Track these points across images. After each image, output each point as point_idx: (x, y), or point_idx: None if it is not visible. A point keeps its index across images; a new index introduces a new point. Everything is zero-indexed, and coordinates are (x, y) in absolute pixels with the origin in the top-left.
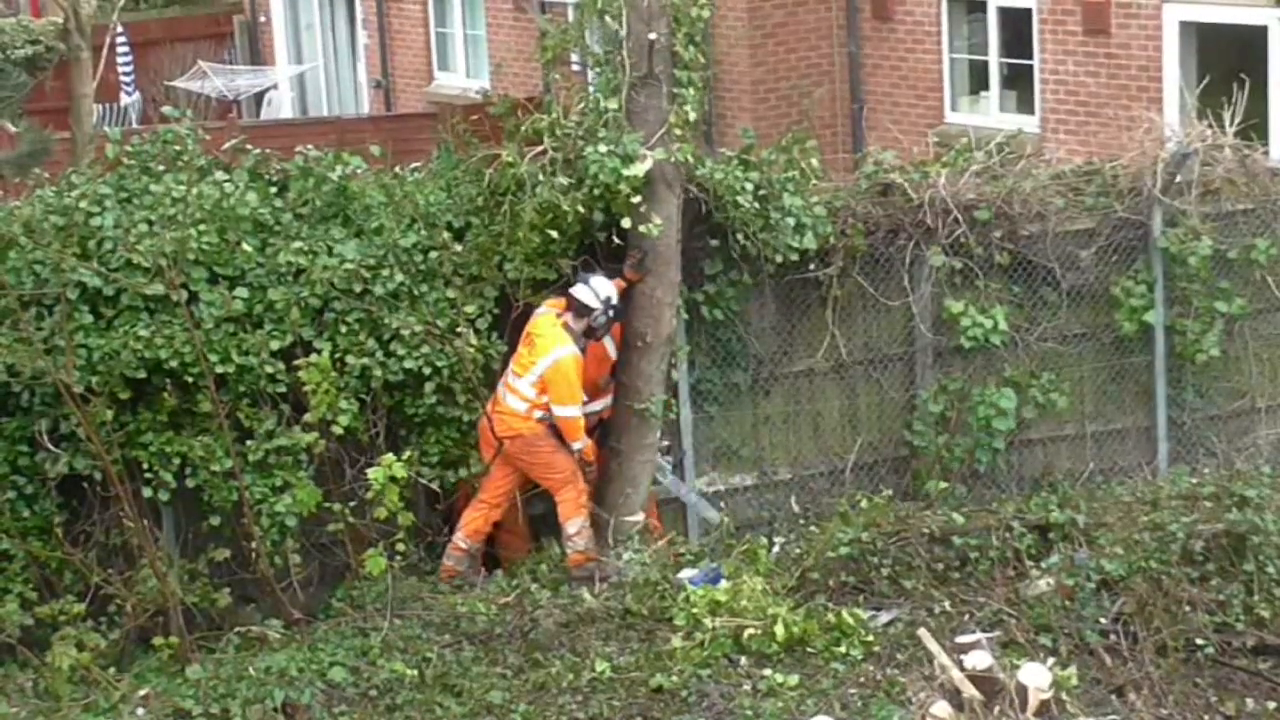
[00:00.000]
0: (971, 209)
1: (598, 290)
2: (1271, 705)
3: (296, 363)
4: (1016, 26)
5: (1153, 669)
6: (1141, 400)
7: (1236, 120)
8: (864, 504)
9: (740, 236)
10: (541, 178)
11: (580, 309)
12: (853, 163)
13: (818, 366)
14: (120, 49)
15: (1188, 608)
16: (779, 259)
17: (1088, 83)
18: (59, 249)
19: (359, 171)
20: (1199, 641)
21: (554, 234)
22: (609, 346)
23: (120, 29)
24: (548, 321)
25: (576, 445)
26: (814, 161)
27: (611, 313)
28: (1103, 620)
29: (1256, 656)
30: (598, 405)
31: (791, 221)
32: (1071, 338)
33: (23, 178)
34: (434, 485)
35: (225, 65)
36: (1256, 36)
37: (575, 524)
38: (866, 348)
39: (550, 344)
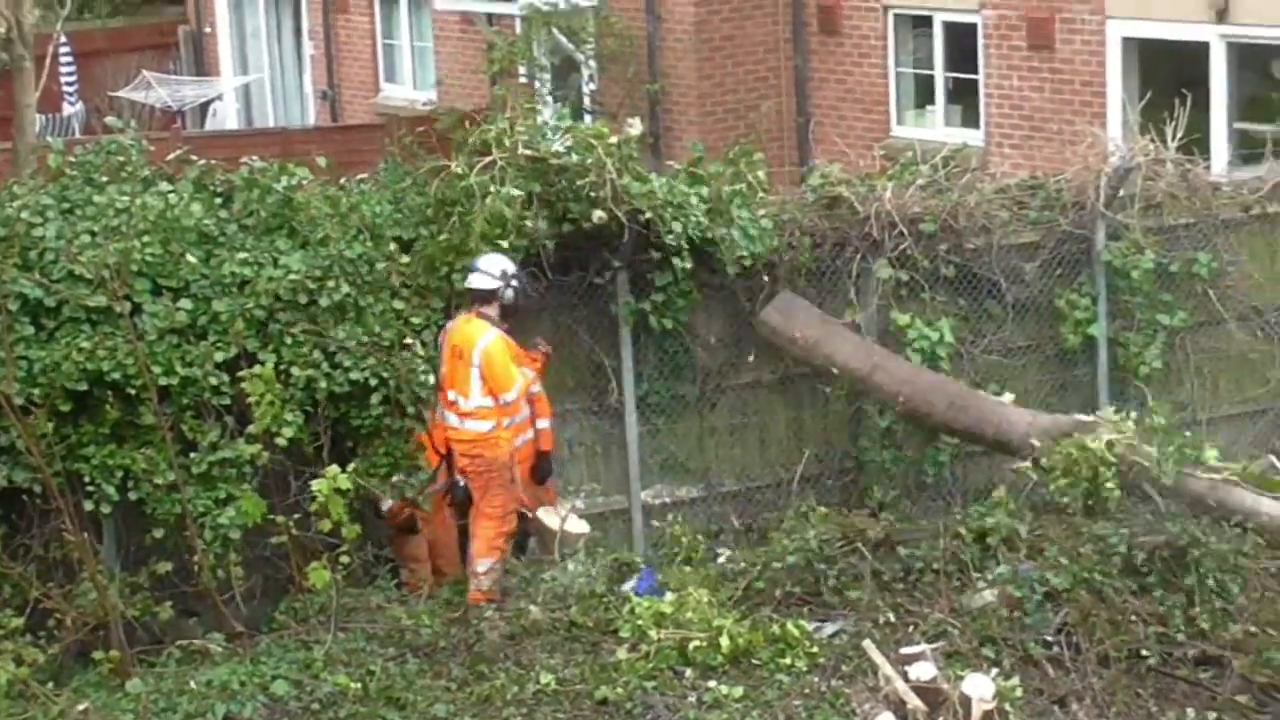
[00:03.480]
0: (917, 222)
1: (489, 269)
2: (1212, 715)
3: (241, 374)
4: (962, 41)
5: (1095, 680)
6: (1084, 413)
7: (1178, 135)
8: (811, 515)
9: (683, 246)
10: (491, 188)
11: (484, 296)
12: (799, 176)
13: (764, 379)
14: (64, 59)
15: (1130, 619)
16: (728, 271)
17: (1032, 97)
18: (1, 259)
19: (305, 183)
20: (1141, 652)
21: (503, 244)
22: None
23: (64, 39)
24: (463, 326)
25: (544, 423)
26: (761, 174)
27: (515, 282)
28: (1046, 631)
29: (1197, 667)
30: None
31: (739, 234)
32: (1016, 350)
33: None
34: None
35: (170, 75)
36: (1198, 52)
37: (485, 564)
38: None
39: (473, 340)
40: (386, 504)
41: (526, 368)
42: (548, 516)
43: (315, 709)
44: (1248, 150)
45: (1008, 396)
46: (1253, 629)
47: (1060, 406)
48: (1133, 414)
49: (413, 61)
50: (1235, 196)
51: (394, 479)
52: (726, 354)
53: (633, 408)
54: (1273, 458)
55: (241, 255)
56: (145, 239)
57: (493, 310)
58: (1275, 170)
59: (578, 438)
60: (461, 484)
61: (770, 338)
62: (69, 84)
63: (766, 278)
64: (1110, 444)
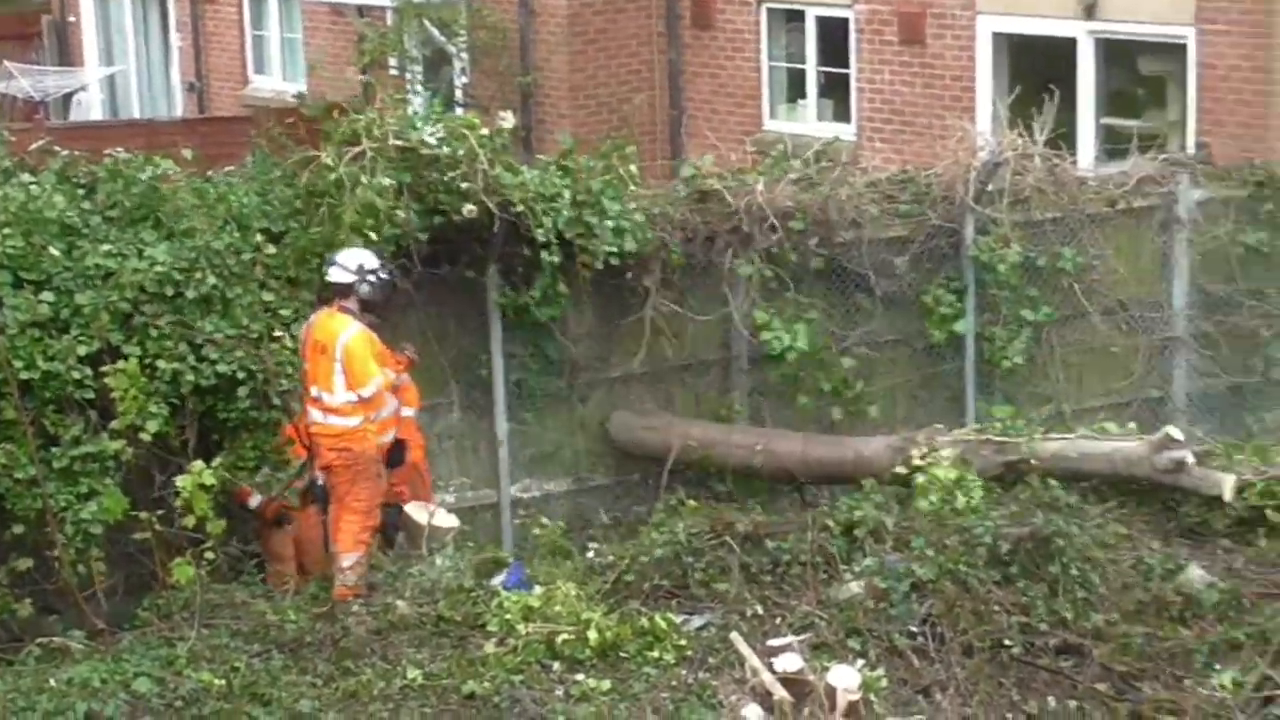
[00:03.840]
0: (788, 216)
1: (346, 264)
2: (1073, 704)
3: (104, 368)
4: (834, 36)
5: (959, 669)
6: (952, 406)
7: (1046, 130)
8: (680, 508)
9: (553, 240)
10: (361, 179)
11: (342, 290)
12: (671, 169)
13: (634, 372)
14: None
15: (994, 609)
16: (598, 265)
17: (903, 92)
18: None
19: (171, 174)
20: (1004, 642)
21: (373, 235)
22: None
23: None
24: (325, 320)
25: (408, 411)
26: (633, 168)
27: (373, 277)
28: (911, 622)
29: (1059, 656)
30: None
31: (610, 227)
32: (884, 344)
33: None
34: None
35: (32, 66)
36: (1066, 48)
37: (351, 558)
38: (684, 354)
39: (335, 334)
40: (256, 499)
41: (390, 368)
42: (416, 511)
43: (179, 706)
44: (1114, 145)
45: None
46: (1113, 618)
47: (928, 400)
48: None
49: (282, 53)
50: (1101, 191)
51: (261, 474)
52: (596, 348)
53: (502, 402)
54: (1171, 429)
55: (105, 247)
56: (6, 231)
57: (352, 304)
58: (1140, 165)
59: (447, 432)
60: (319, 482)
61: (631, 440)
62: None
63: (633, 274)
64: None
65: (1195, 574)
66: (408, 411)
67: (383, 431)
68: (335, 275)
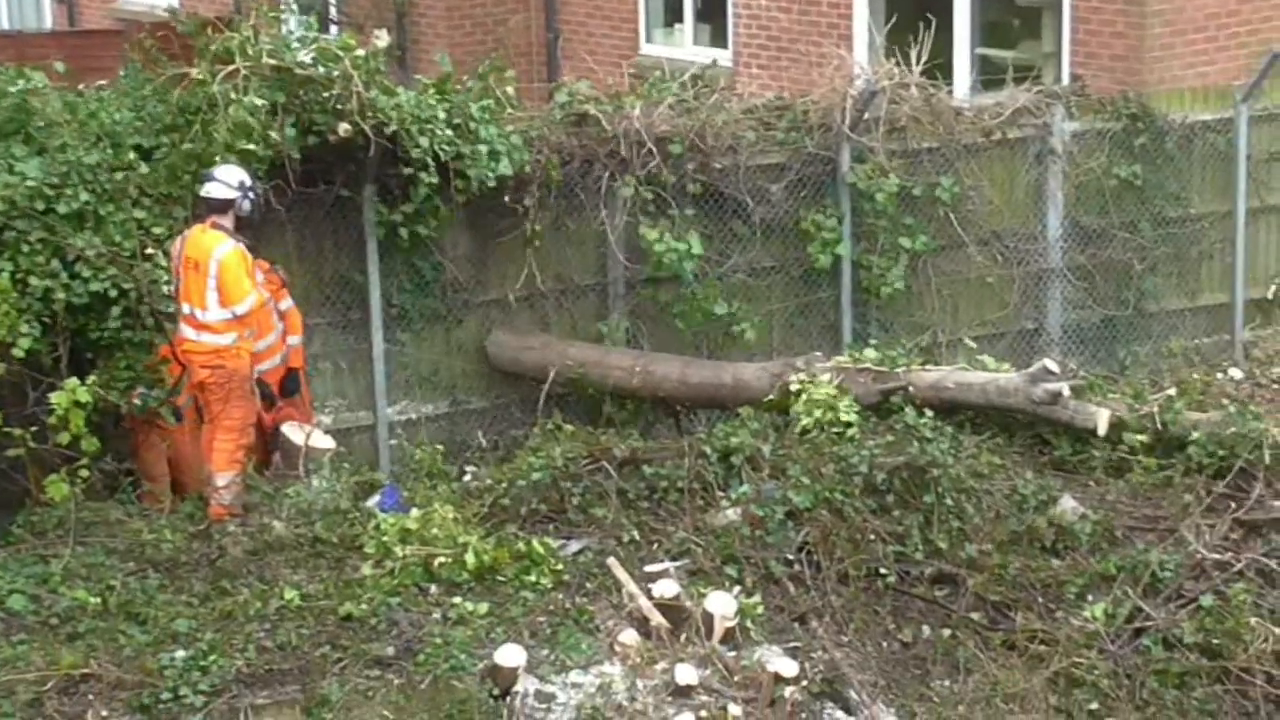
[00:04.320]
0: (665, 141)
1: (226, 179)
2: (946, 632)
3: None
4: None
5: (834, 597)
6: (828, 334)
7: (923, 60)
8: (558, 433)
9: (433, 165)
10: (234, 97)
11: (219, 207)
12: (548, 93)
13: (511, 295)
14: None
15: (870, 538)
16: (475, 188)
17: (780, 18)
18: None
19: (41, 88)
20: (880, 570)
21: (250, 146)
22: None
23: None
24: (198, 237)
25: (294, 339)
26: (510, 90)
27: (253, 194)
28: (787, 550)
29: (934, 585)
30: (269, 340)
31: (486, 150)
32: (762, 271)
33: None
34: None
35: None
36: None
37: (226, 477)
38: (559, 278)
39: (209, 249)
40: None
41: (264, 287)
42: (292, 432)
43: (53, 624)
44: (989, 76)
45: None
46: (987, 548)
47: (805, 327)
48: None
49: None
50: (977, 122)
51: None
52: (473, 270)
53: (379, 323)
54: (1048, 361)
55: None
56: None
57: (228, 221)
58: (1016, 97)
59: (323, 352)
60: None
61: (508, 360)
62: None
63: (511, 197)
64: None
65: (1068, 506)
66: (295, 339)
67: (269, 356)
68: (215, 191)
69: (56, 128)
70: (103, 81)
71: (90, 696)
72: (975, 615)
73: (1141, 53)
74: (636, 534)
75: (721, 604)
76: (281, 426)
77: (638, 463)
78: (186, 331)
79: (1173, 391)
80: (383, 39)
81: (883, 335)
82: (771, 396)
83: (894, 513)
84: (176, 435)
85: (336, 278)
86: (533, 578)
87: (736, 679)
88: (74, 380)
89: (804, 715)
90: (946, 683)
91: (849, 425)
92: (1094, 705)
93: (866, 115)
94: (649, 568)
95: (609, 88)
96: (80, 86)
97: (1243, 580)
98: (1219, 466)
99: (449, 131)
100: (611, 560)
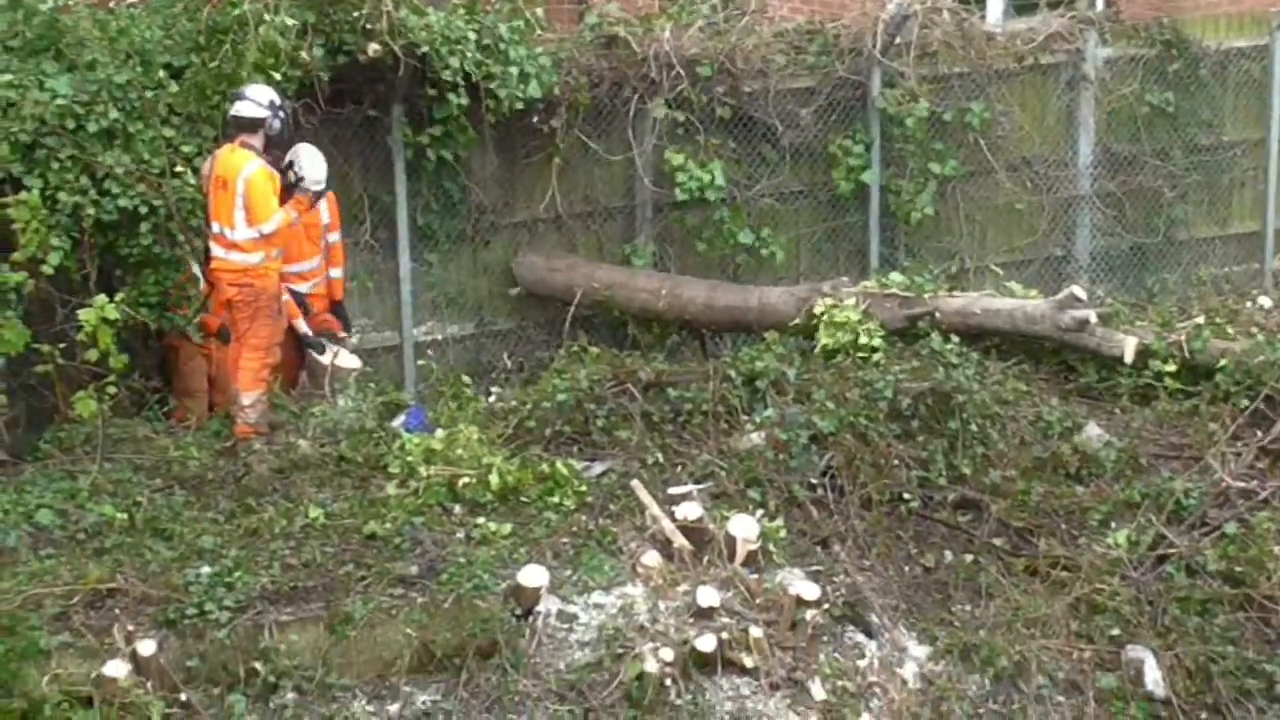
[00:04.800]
0: (695, 64)
1: (257, 98)
2: (969, 558)
3: (5, 200)
4: None
5: (857, 522)
6: (855, 259)
7: None
8: (583, 355)
9: (459, 84)
10: (265, 17)
11: (250, 125)
12: (578, 14)
13: (539, 217)
14: None
15: (893, 463)
16: (505, 109)
17: None
18: None
19: (71, 5)
20: (903, 496)
21: (276, 75)
22: (324, 212)
23: None
24: (227, 156)
25: (335, 273)
26: (539, 11)
27: (282, 114)
28: (811, 474)
29: (956, 511)
30: (295, 269)
31: (515, 71)
32: (790, 195)
33: None
34: (150, 326)
35: None
36: None
37: (251, 396)
38: (587, 200)
39: (237, 168)
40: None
41: (291, 208)
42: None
43: (81, 538)
44: (1023, 1)
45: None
46: (1010, 474)
47: (832, 252)
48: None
49: None
50: (1009, 48)
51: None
52: (501, 192)
53: (406, 243)
54: (1075, 288)
55: (6, 78)
56: None
57: (257, 141)
58: (1049, 22)
59: (350, 272)
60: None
61: (535, 282)
62: None
63: (539, 119)
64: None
65: (1093, 433)
66: (336, 272)
67: (311, 278)
68: (245, 110)
69: (86, 45)
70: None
71: (117, 611)
72: (998, 541)
73: None
74: (660, 457)
75: (744, 527)
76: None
77: (662, 386)
78: (215, 250)
79: (1200, 320)
80: None
81: (910, 260)
82: (797, 321)
83: (918, 438)
84: (219, 353)
85: (364, 198)
86: (556, 499)
87: (758, 601)
88: (103, 297)
89: (825, 638)
90: (968, 607)
91: (874, 350)
92: (1115, 631)
93: (898, 40)
94: (672, 490)
95: (639, 9)
96: (111, 4)
97: (1267, 508)
98: (1246, 395)
99: (478, 53)
100: (635, 482)
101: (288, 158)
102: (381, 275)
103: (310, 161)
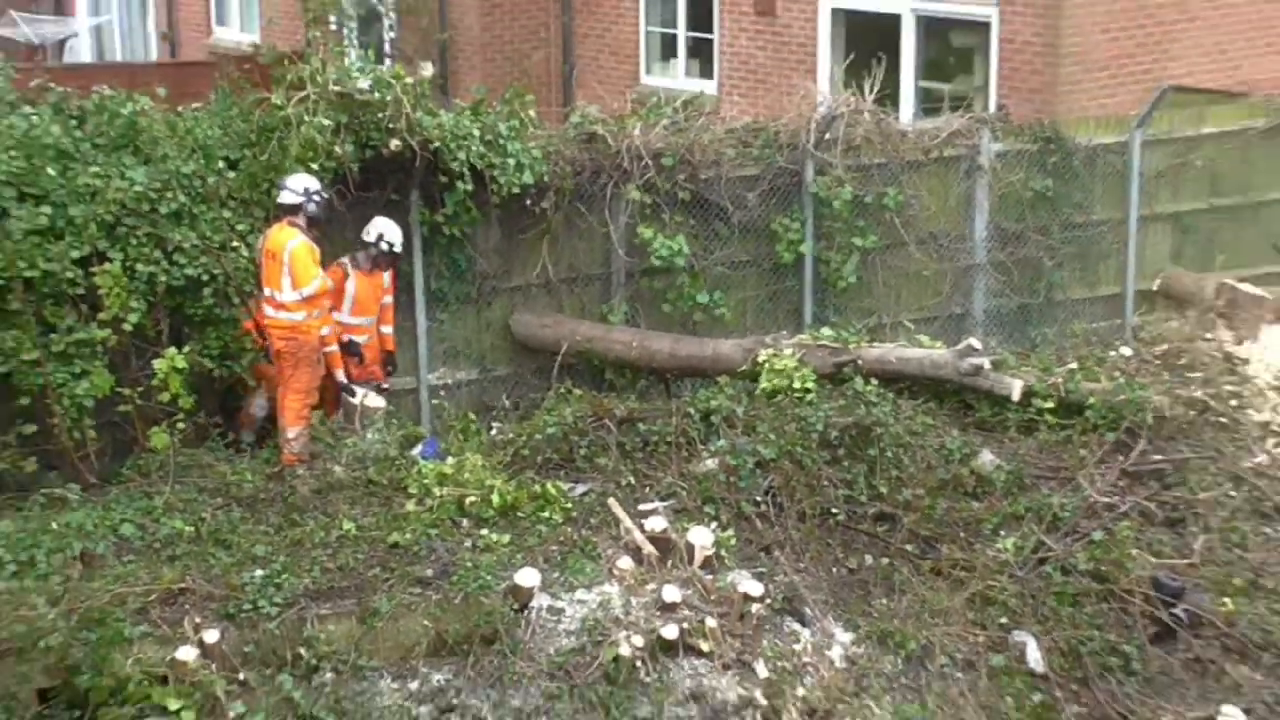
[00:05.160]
0: (660, 156)
1: (293, 186)
2: (885, 561)
3: (93, 269)
4: (699, 6)
5: (794, 532)
6: (792, 316)
7: (874, 91)
8: (568, 396)
9: (468, 174)
10: (305, 118)
11: (290, 209)
12: (564, 115)
13: (531, 282)
14: None
15: (824, 484)
16: (503, 193)
17: (756, 54)
18: None
19: (147, 109)
20: (831, 510)
21: (314, 165)
22: (386, 279)
23: None
24: (276, 233)
25: (386, 329)
26: (532, 113)
27: (318, 198)
28: (756, 493)
29: (875, 523)
30: (353, 320)
31: (513, 162)
32: (739, 264)
33: None
34: (214, 373)
35: (33, 15)
36: (892, 23)
37: (295, 431)
38: (571, 268)
39: (283, 243)
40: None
41: (328, 277)
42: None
43: (156, 547)
44: (929, 105)
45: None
46: (919, 492)
47: (773, 311)
48: (826, 327)
49: (240, 7)
50: (918, 142)
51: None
52: (500, 261)
53: (422, 304)
54: (972, 340)
55: (94, 169)
56: (11, 154)
57: (300, 220)
58: (951, 122)
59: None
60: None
61: (528, 336)
62: None
63: (531, 201)
64: (796, 354)
65: (986, 458)
66: (387, 329)
67: (361, 332)
68: (285, 197)
69: (159, 142)
70: (197, 104)
71: (186, 606)
72: (909, 547)
73: (1055, 86)
74: (632, 479)
75: (701, 536)
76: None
77: (634, 421)
78: (267, 310)
79: (1074, 365)
80: (428, 70)
81: (837, 318)
82: (744, 367)
83: (844, 463)
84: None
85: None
86: (546, 514)
87: (713, 598)
88: (173, 350)
89: (767, 627)
90: (884, 601)
91: (808, 391)
92: (1003, 619)
93: (827, 136)
94: (642, 506)
95: (614, 111)
96: (179, 108)
97: (1127, 519)
98: (1110, 427)
99: (482, 147)
100: (611, 500)
101: (375, 230)
102: (401, 331)
103: (392, 230)
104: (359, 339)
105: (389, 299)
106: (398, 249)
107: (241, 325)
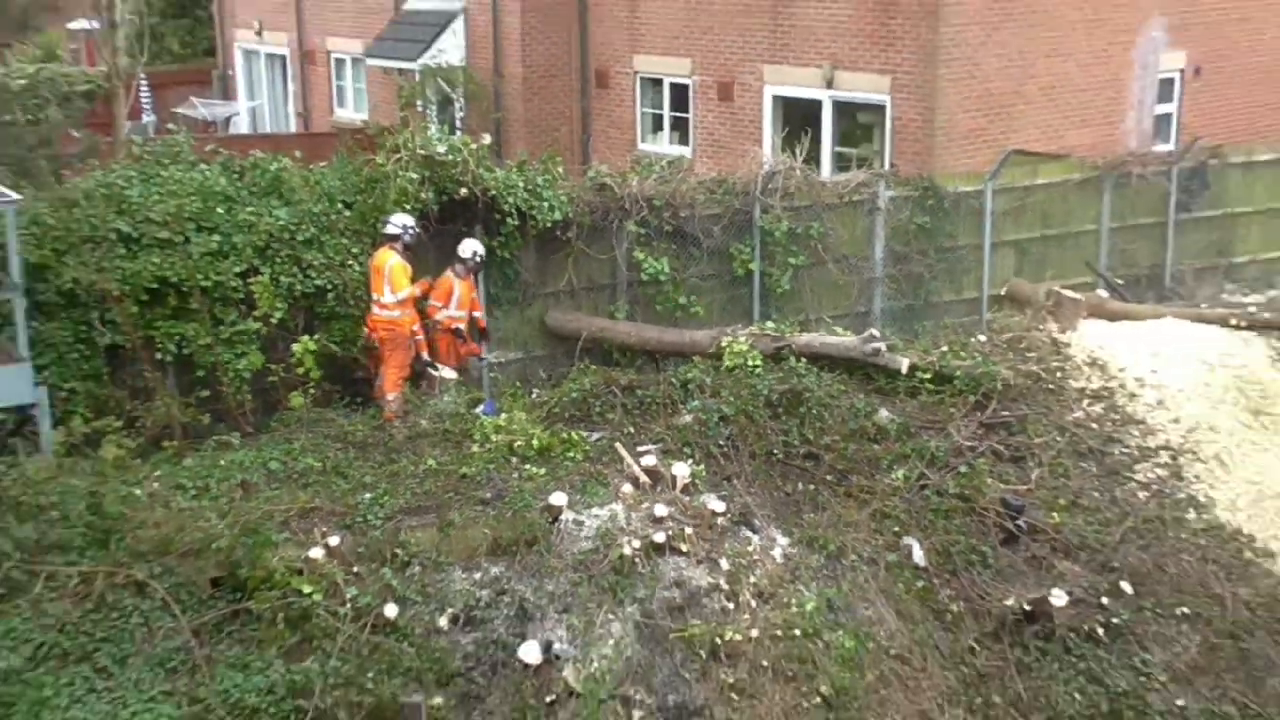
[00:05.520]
0: (651, 200)
1: (395, 221)
2: (812, 488)
3: (250, 280)
4: (680, 95)
5: (747, 466)
6: (744, 314)
7: (803, 154)
8: (586, 370)
9: (514, 212)
10: (399, 173)
11: (392, 238)
12: (583, 171)
13: (559, 289)
14: (142, 87)
15: (768, 432)
16: (540, 226)
17: (719, 129)
18: (104, 208)
19: (288, 166)
20: (773, 451)
21: (407, 206)
22: (476, 282)
23: (143, 75)
24: (380, 254)
25: (478, 313)
26: (559, 170)
27: (411, 230)
28: (720, 439)
29: (805, 460)
30: (458, 313)
31: (546, 204)
32: (707, 277)
33: (83, 165)
34: (336, 354)
35: (207, 100)
36: (815, 106)
37: (393, 395)
38: (588, 279)
39: (385, 261)
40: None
41: (417, 287)
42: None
43: (294, 477)
44: (842, 164)
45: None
46: (836, 439)
47: (732, 309)
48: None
49: (354, 95)
50: (834, 190)
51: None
52: (538, 275)
53: (483, 304)
54: (873, 331)
55: (250, 209)
56: (191, 198)
57: (398, 246)
58: (857, 175)
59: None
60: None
61: (558, 328)
62: (146, 103)
63: (560, 231)
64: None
65: (883, 414)
66: (478, 314)
67: (460, 321)
68: (388, 229)
69: (295, 189)
70: (323, 163)
71: (316, 520)
72: (829, 477)
73: (931, 151)
74: (631, 429)
75: (681, 469)
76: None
77: (633, 388)
78: (374, 310)
79: (945, 348)
80: (486, 139)
81: (776, 315)
82: (712, 350)
83: (782, 418)
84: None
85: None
86: (571, 454)
87: (689, 513)
88: (306, 337)
89: (728, 534)
90: (811, 515)
91: (756, 367)
92: (896, 529)
93: (769, 186)
94: (639, 448)
95: (618, 169)
96: (310, 166)
97: (983, 457)
98: (972, 392)
99: (525, 194)
100: (617, 444)
101: (469, 248)
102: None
103: (480, 248)
104: (461, 326)
105: (480, 312)
106: (481, 260)
107: (356, 320)
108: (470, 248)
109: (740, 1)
